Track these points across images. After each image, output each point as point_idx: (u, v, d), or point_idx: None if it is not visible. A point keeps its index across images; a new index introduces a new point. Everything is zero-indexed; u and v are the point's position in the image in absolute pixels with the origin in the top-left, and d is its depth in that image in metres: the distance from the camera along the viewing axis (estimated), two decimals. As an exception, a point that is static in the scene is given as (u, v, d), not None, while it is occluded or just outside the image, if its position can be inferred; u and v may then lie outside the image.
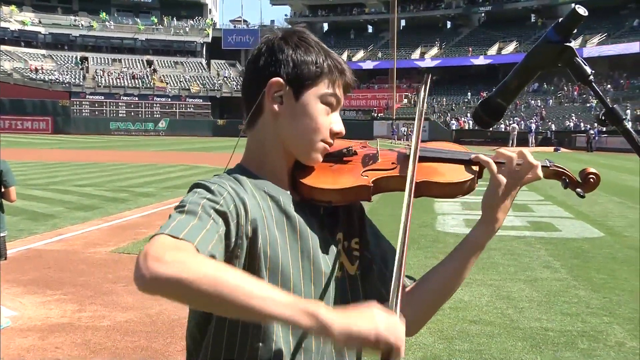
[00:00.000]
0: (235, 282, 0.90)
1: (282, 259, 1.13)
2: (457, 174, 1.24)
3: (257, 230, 1.10)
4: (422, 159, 1.25)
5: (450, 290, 1.28)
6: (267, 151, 1.22)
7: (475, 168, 1.25)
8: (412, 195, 1.12)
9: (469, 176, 1.24)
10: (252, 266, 1.11)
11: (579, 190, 1.26)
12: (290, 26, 1.31)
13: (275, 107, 1.19)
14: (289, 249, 1.15)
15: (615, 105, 1.04)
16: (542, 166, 1.28)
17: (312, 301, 0.97)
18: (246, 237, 1.09)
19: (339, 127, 1.22)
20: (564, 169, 1.28)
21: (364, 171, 1.23)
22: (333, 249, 1.23)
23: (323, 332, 0.89)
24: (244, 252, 1.09)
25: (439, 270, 1.27)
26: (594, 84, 1.07)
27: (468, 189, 1.24)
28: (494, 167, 1.22)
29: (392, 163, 1.24)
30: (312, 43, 1.21)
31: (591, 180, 1.26)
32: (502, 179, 1.21)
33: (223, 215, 1.05)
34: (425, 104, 1.23)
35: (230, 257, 1.07)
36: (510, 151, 1.24)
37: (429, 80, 1.28)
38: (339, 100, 1.23)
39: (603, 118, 1.05)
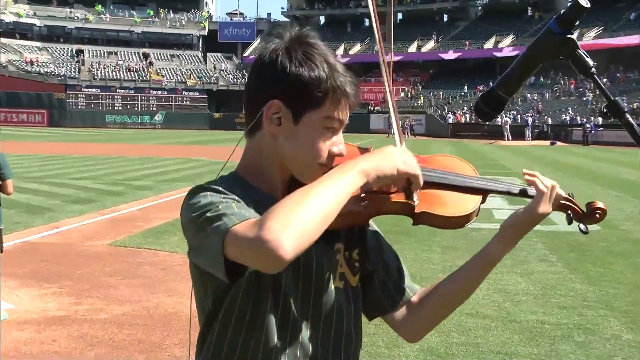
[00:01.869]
0: (321, 202, 1.01)
1: (278, 276, 1.14)
2: (462, 205, 1.18)
3: None
4: (430, 185, 1.18)
5: (460, 301, 1.29)
6: (263, 164, 1.20)
7: (479, 196, 1.20)
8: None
9: (474, 207, 1.19)
10: (255, 278, 1.12)
11: (582, 227, 1.23)
12: (287, 19, 1.27)
13: (273, 128, 1.16)
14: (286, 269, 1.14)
15: (617, 98, 1.04)
16: None
17: (351, 162, 1.08)
18: None
19: (339, 149, 1.18)
20: (571, 201, 1.24)
21: (363, 194, 1.17)
22: (331, 260, 1.22)
23: (366, 181, 1.08)
24: None
25: (453, 285, 1.27)
26: (595, 76, 1.06)
27: (470, 219, 1.20)
28: (547, 197, 1.21)
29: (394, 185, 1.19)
30: (317, 60, 1.15)
31: (597, 215, 1.24)
32: (548, 209, 1.22)
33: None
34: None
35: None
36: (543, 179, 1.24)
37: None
38: (341, 123, 1.19)
39: (605, 110, 1.04)
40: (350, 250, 1.26)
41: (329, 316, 1.20)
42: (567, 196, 1.25)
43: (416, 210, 1.17)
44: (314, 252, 1.18)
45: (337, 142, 1.18)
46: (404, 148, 1.17)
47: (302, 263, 1.17)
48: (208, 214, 1.04)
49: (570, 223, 1.25)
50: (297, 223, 0.96)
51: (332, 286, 1.21)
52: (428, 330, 1.32)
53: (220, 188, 1.10)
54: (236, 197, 1.09)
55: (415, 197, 1.14)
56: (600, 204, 1.23)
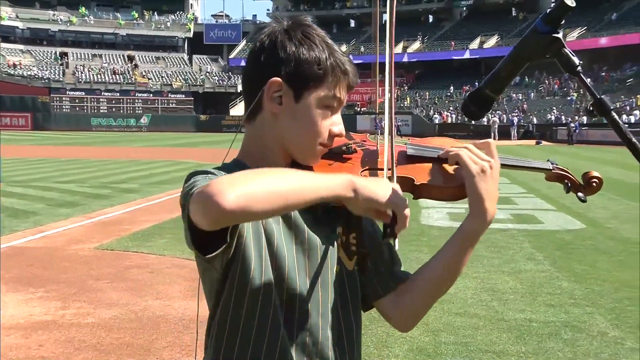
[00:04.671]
0: (291, 183, 0.96)
1: (279, 251, 1.14)
2: (458, 177, 1.19)
3: (257, 223, 1.13)
4: (420, 159, 1.21)
5: (444, 286, 1.25)
6: (264, 148, 1.21)
7: None
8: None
9: None
10: (256, 246, 1.12)
11: (580, 194, 1.23)
12: (280, 16, 1.28)
13: (274, 107, 1.17)
14: (285, 244, 1.15)
15: (603, 96, 1.05)
16: (545, 169, 1.26)
17: (342, 174, 1.05)
18: (249, 228, 1.12)
19: (339, 129, 1.20)
20: (567, 172, 1.25)
21: (362, 171, 1.20)
22: (333, 243, 1.22)
23: (353, 198, 1.03)
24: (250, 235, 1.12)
25: (432, 267, 1.24)
26: (582, 75, 1.07)
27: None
28: (465, 156, 1.16)
29: (394, 162, 1.20)
30: (317, 40, 1.17)
31: (594, 184, 1.23)
32: (476, 166, 1.15)
33: None
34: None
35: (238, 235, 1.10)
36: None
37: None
38: (341, 102, 1.20)
39: (591, 108, 1.05)
40: (347, 234, 1.26)
41: (333, 301, 1.20)
42: (562, 168, 1.26)
43: (416, 183, 1.18)
44: (314, 238, 1.18)
45: (337, 122, 1.20)
46: (397, 186, 1.10)
47: (308, 247, 1.17)
48: (192, 185, 1.05)
49: (567, 192, 1.25)
50: (248, 187, 0.92)
51: (334, 270, 1.21)
52: (418, 318, 1.29)
53: (212, 170, 1.11)
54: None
55: (395, 241, 1.10)
56: (595, 173, 1.24)
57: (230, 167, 1.18)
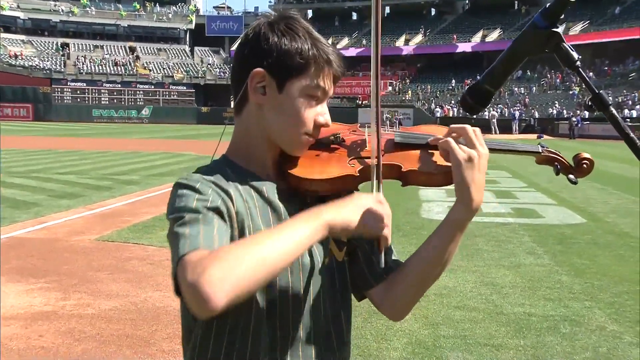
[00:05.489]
0: (272, 251, 0.97)
1: None
2: (444, 162, 1.19)
3: (243, 222, 1.12)
4: (408, 146, 1.22)
5: (432, 274, 1.24)
6: (252, 140, 1.21)
7: None
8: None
9: None
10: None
11: (571, 176, 1.23)
12: (280, 10, 1.28)
13: (258, 98, 1.17)
14: None
15: (601, 91, 1.05)
16: (535, 152, 1.26)
17: (314, 211, 1.05)
18: (237, 227, 1.12)
19: (324, 119, 1.19)
20: (557, 154, 1.25)
21: (350, 160, 1.20)
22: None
23: (331, 233, 1.05)
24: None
25: (420, 255, 1.24)
26: (580, 70, 1.07)
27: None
28: (453, 143, 1.15)
29: (380, 150, 1.20)
30: (300, 31, 1.17)
31: (584, 165, 1.23)
32: (463, 154, 1.14)
33: (216, 210, 1.07)
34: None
35: None
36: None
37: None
38: (325, 92, 1.19)
39: (590, 103, 1.05)
40: None
41: (319, 292, 1.20)
42: (552, 150, 1.25)
43: (403, 170, 1.18)
44: None
45: (322, 112, 1.20)
46: (380, 196, 1.11)
47: None
48: (175, 227, 1.05)
49: (557, 174, 1.25)
50: (239, 274, 0.92)
51: (323, 261, 1.21)
52: (409, 307, 1.29)
53: (198, 186, 1.09)
54: (210, 197, 1.08)
55: (381, 258, 1.14)
56: (586, 154, 1.23)
57: (219, 167, 1.18)
